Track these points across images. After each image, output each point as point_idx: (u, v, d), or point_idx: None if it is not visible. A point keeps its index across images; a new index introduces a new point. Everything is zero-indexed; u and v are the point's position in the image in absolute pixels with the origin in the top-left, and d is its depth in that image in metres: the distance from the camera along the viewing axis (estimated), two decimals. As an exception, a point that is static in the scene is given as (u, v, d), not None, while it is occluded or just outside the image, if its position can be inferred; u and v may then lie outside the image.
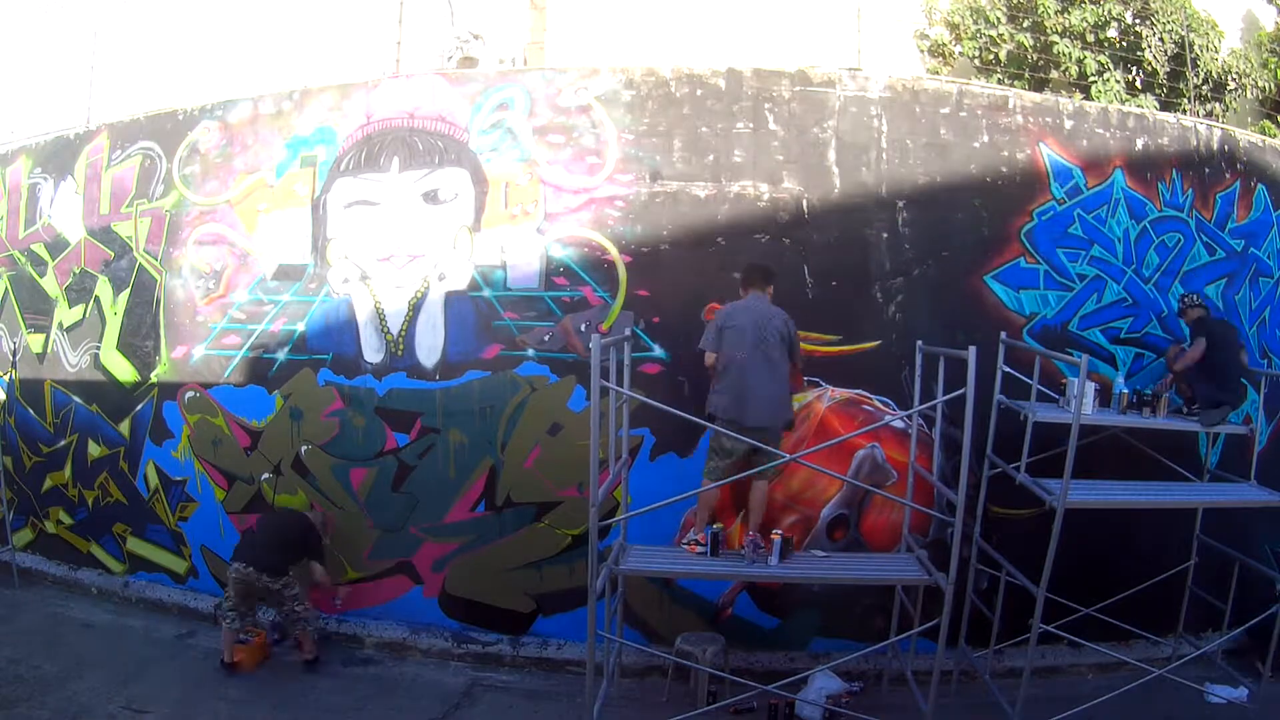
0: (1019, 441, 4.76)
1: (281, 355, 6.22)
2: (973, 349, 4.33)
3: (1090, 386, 4.85)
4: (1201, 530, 5.64)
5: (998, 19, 10.94)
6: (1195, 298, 5.77)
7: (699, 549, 4.84)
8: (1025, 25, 10.81)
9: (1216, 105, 10.66)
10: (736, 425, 4.73)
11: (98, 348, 6.93)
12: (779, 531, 4.87)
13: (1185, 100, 10.41)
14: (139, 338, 6.73)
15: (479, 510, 5.94)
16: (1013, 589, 5.08)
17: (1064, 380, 5.09)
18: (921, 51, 11.62)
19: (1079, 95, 9.97)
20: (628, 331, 5.50)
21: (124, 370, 6.80)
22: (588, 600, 4.44)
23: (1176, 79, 10.57)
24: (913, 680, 5.01)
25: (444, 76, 6.18)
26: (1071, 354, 5.34)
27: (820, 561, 5.03)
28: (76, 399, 7.08)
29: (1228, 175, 6.27)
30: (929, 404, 5.09)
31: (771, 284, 5.08)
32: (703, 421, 4.75)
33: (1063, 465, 4.47)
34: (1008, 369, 5.12)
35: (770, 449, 4.73)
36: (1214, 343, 5.43)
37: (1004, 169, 5.81)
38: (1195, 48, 10.38)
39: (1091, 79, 10.30)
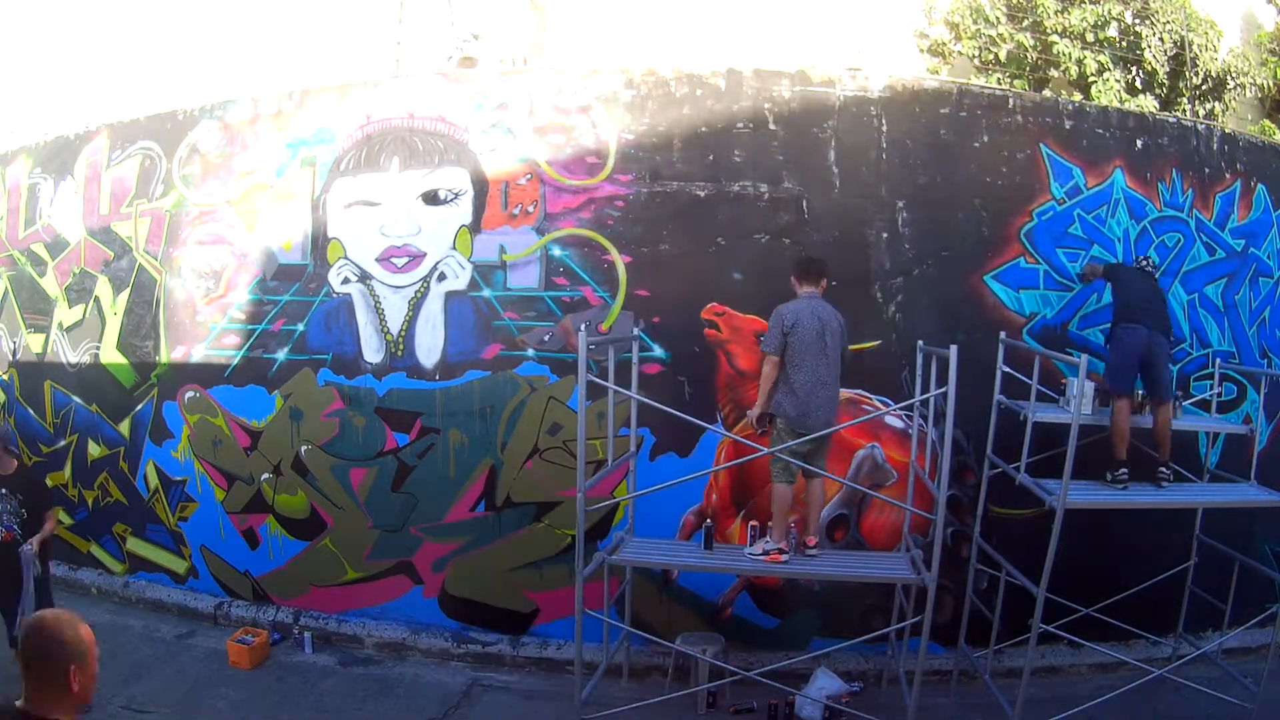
0: (1019, 441, 4.76)
1: (281, 355, 6.22)
2: (953, 348, 4.35)
3: (1090, 386, 4.85)
4: (1201, 530, 5.64)
5: (997, 19, 10.96)
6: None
7: (782, 558, 4.74)
8: (1025, 25, 10.83)
9: (1216, 105, 10.67)
10: (803, 426, 4.68)
11: (98, 348, 6.93)
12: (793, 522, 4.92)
13: (1185, 100, 10.42)
14: (139, 338, 6.73)
15: (479, 510, 5.94)
16: (1013, 589, 5.08)
17: (1064, 380, 5.08)
18: (921, 51, 11.65)
19: (1079, 95, 9.98)
20: (634, 333, 5.51)
21: (124, 370, 6.80)
22: (576, 581, 4.57)
23: (1176, 79, 10.58)
24: (904, 680, 5.00)
25: (444, 76, 6.18)
26: (1071, 354, 5.33)
27: (812, 558, 5.05)
28: (76, 399, 7.08)
29: (1228, 175, 6.26)
30: (907, 402, 5.18)
31: (825, 278, 4.92)
32: (701, 422, 4.77)
33: (1063, 465, 4.47)
34: (1008, 369, 5.12)
35: (826, 444, 4.86)
36: (1115, 281, 5.35)
37: (1004, 169, 5.81)
38: (1195, 47, 10.39)
39: (1091, 79, 10.31)
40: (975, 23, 10.95)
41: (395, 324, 5.98)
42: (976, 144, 5.79)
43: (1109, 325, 5.35)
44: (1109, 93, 10.11)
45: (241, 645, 5.72)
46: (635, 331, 5.55)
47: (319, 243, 6.14)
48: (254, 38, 11.12)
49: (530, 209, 5.79)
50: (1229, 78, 10.62)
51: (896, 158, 5.73)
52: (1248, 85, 10.80)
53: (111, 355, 6.85)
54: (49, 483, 6.32)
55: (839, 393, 4.91)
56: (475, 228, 5.86)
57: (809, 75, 5.70)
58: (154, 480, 6.75)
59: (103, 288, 6.90)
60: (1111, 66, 10.38)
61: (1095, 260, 5.80)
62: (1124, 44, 10.59)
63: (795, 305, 4.80)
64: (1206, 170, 6.20)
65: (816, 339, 4.68)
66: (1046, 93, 10.04)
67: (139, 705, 5.08)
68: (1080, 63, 10.33)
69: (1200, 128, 6.39)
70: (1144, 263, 5.54)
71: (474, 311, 5.86)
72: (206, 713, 5.10)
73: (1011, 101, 5.90)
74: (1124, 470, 4.94)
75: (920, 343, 5.36)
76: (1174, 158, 6.11)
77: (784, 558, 4.73)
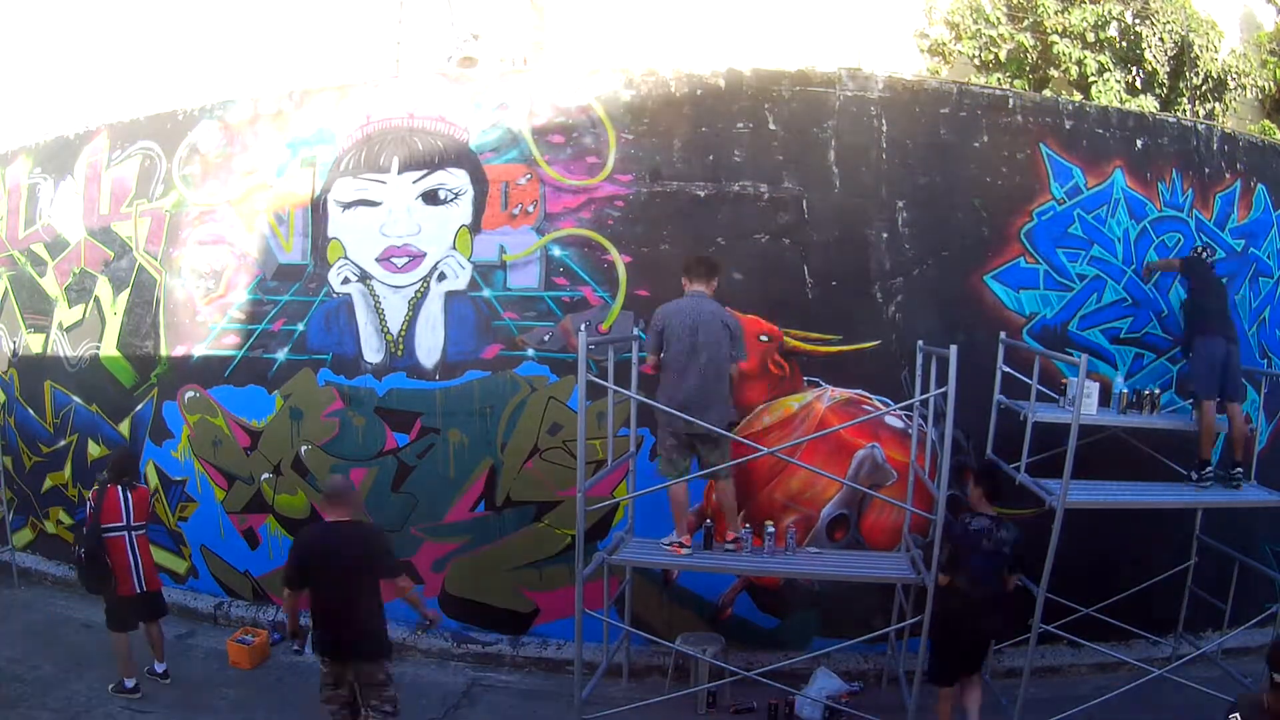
0: (1019, 441, 4.76)
1: (281, 355, 6.22)
2: (953, 348, 4.35)
3: (1092, 386, 4.85)
4: (1201, 530, 5.64)
5: (998, 19, 10.94)
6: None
7: (683, 550, 4.86)
8: (1025, 25, 10.81)
9: (1216, 105, 10.66)
10: (672, 424, 4.75)
11: (98, 348, 6.93)
12: (776, 527, 4.93)
13: (1185, 100, 10.42)
14: (139, 338, 6.73)
15: (479, 510, 5.94)
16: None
17: (1064, 380, 5.08)
18: (921, 51, 11.63)
19: (1079, 95, 9.98)
20: (634, 333, 5.51)
21: (124, 370, 6.80)
22: (577, 581, 4.58)
23: (1176, 79, 10.57)
24: (904, 680, 5.01)
25: (444, 76, 6.18)
26: (1071, 354, 5.34)
27: (812, 558, 5.08)
28: (76, 399, 7.08)
29: (1228, 175, 6.26)
30: (907, 402, 5.20)
31: (715, 277, 4.90)
32: (700, 422, 4.73)
33: (1063, 465, 4.47)
34: (1008, 369, 5.12)
35: (720, 444, 4.81)
36: (1193, 279, 5.55)
37: (1004, 169, 5.81)
38: (1195, 48, 10.38)
39: (1091, 79, 10.30)
40: (975, 23, 10.94)
41: (395, 324, 5.99)
42: (976, 144, 5.79)
43: (1186, 331, 5.61)
44: (1109, 93, 10.10)
45: (241, 645, 5.72)
46: (635, 331, 5.55)
47: (319, 243, 6.14)
48: (254, 38, 11.11)
49: (530, 209, 5.79)
50: (1229, 78, 10.61)
51: (896, 158, 5.73)
52: (1248, 85, 10.79)
53: (111, 355, 6.85)
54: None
55: (722, 392, 4.75)
56: (475, 228, 5.86)
57: (809, 75, 5.70)
58: (154, 480, 6.74)
59: (103, 288, 6.90)
60: (1111, 66, 10.37)
61: (1162, 256, 5.96)
62: (1124, 44, 10.58)
63: (670, 305, 4.82)
64: (1206, 170, 6.20)
65: (686, 336, 4.66)
66: (1046, 93, 10.04)
67: (139, 705, 5.09)
68: (1080, 63, 10.32)
69: (1200, 128, 6.39)
70: (1204, 252, 5.68)
71: (474, 311, 5.86)
72: (206, 713, 5.10)
73: (1011, 101, 5.90)
74: (1209, 469, 5.16)
75: (920, 343, 5.36)
76: (1174, 158, 6.11)
77: (684, 551, 4.86)
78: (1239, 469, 5.23)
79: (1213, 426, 5.18)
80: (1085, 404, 4.63)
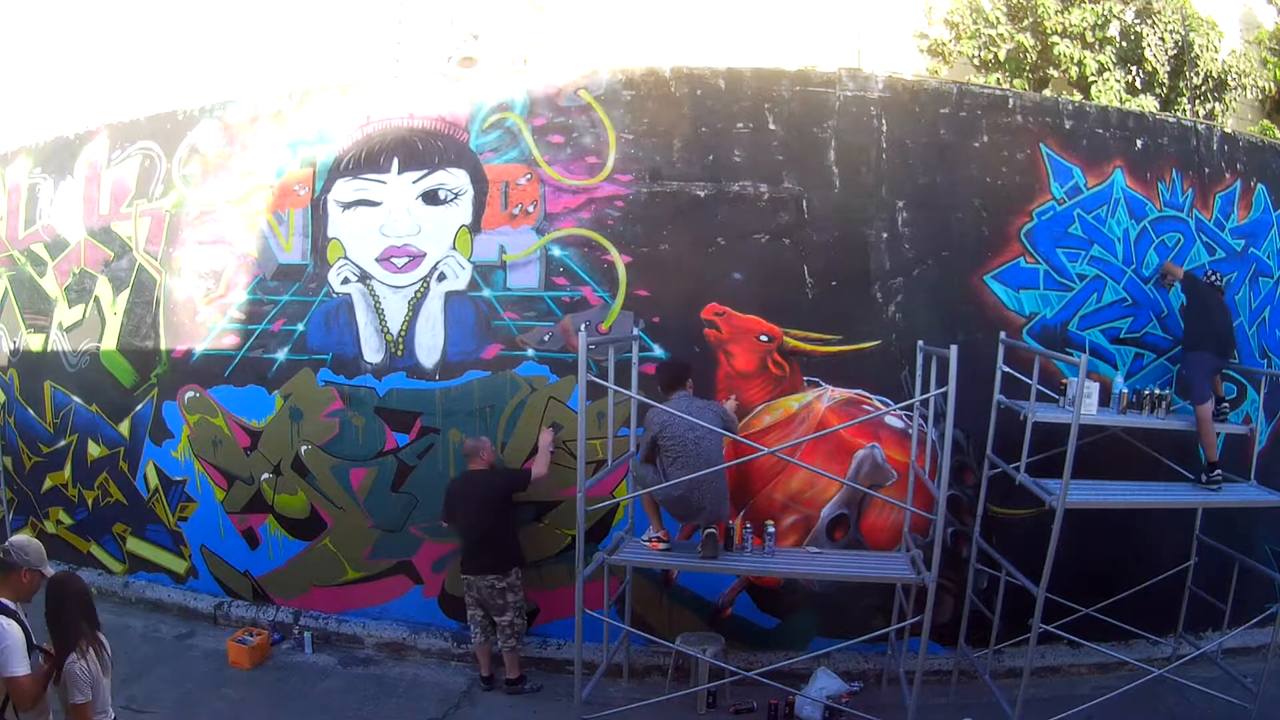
0: (1019, 441, 4.76)
1: (281, 355, 6.22)
2: (954, 348, 4.35)
3: (1093, 386, 4.85)
4: (1201, 530, 5.64)
5: (997, 19, 10.94)
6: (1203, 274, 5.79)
7: (661, 546, 4.87)
8: (1025, 25, 10.81)
9: (1216, 105, 10.66)
10: (686, 519, 4.83)
11: (98, 348, 6.93)
12: (775, 527, 4.94)
13: (1185, 100, 10.42)
14: (139, 338, 6.73)
15: (479, 510, 5.93)
16: (1013, 589, 5.08)
17: (1064, 380, 5.08)
18: (921, 51, 11.63)
19: (1079, 95, 9.98)
20: (634, 333, 5.51)
21: (124, 370, 6.80)
22: (576, 581, 4.58)
23: (1176, 79, 10.57)
24: (904, 679, 5.00)
25: (444, 76, 6.19)
26: (1071, 354, 5.34)
27: (812, 558, 5.07)
28: (76, 399, 7.08)
29: (1228, 175, 6.26)
30: (907, 402, 5.19)
31: (690, 378, 4.95)
32: (700, 422, 4.70)
33: (1063, 465, 4.47)
34: (1008, 369, 5.12)
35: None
36: (1191, 299, 5.65)
37: (1004, 169, 5.81)
38: (1195, 47, 10.38)
39: (1091, 79, 10.30)
40: (975, 23, 10.94)
41: (395, 324, 5.99)
42: (976, 144, 5.79)
43: (1184, 337, 5.77)
44: (1109, 93, 10.10)
45: (241, 645, 5.72)
46: (635, 331, 5.55)
47: (319, 243, 6.14)
48: (254, 38, 11.12)
49: (530, 209, 5.79)
50: (1229, 78, 10.61)
51: (896, 158, 5.73)
52: (1248, 85, 10.79)
53: (111, 355, 6.85)
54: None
55: (724, 488, 4.77)
56: (475, 228, 5.86)
57: (809, 75, 5.70)
58: (154, 480, 6.75)
59: (103, 288, 6.90)
60: (1111, 66, 10.37)
61: (1175, 264, 6.01)
62: (1124, 44, 10.57)
63: (661, 411, 4.71)
64: (1206, 170, 6.19)
65: (693, 450, 4.61)
66: (1046, 93, 10.04)
67: (139, 705, 5.08)
68: (1080, 63, 10.32)
69: (1200, 128, 6.39)
70: (1214, 277, 5.69)
71: (474, 311, 5.86)
72: (206, 713, 5.10)
73: (1011, 101, 5.90)
74: (1218, 471, 5.23)
75: (920, 343, 5.36)
76: (1174, 158, 6.11)
77: (661, 546, 4.88)
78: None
79: (1211, 429, 5.20)
80: (1085, 404, 4.63)
